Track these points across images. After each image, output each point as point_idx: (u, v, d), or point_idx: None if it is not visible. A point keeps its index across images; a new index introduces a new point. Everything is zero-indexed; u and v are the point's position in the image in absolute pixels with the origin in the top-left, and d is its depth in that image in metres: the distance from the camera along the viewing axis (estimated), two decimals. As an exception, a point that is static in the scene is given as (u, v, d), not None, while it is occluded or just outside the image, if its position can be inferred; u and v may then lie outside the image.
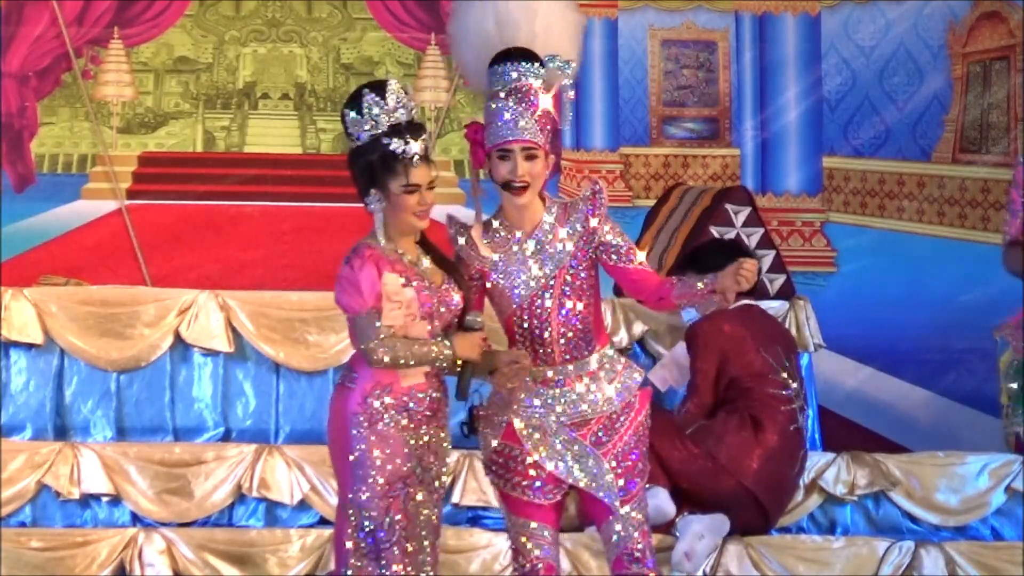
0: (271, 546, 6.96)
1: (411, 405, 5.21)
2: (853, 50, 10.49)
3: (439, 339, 5.20)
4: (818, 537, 7.21)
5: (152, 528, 7.00)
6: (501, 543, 6.86)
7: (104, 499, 7.23)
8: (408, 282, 5.18)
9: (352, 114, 5.20)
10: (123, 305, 7.62)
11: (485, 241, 5.36)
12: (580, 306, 5.32)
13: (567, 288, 5.32)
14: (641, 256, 5.38)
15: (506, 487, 5.36)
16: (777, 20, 10.54)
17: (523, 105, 5.26)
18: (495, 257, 5.34)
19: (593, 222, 5.33)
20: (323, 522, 7.12)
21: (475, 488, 7.16)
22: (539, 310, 5.31)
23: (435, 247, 5.34)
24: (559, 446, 5.32)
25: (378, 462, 5.15)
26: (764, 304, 7.50)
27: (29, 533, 7.00)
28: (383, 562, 5.16)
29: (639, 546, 5.32)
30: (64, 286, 7.86)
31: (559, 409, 5.33)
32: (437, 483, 5.30)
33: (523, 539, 5.35)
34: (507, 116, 5.26)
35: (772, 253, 8.09)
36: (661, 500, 6.76)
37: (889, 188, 10.45)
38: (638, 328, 7.67)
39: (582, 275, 5.33)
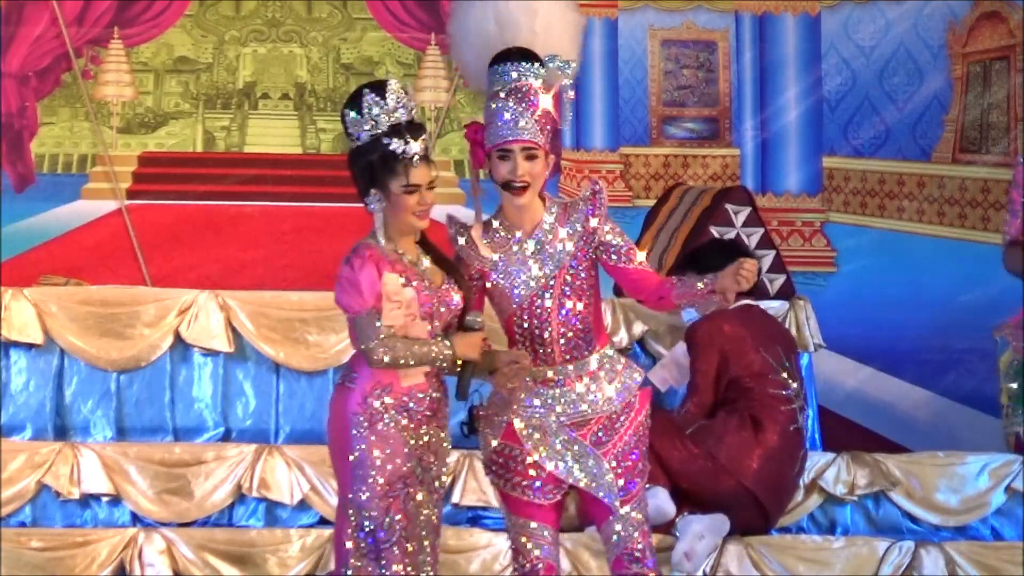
0: (271, 546, 6.96)
1: (411, 405, 5.20)
2: (853, 50, 10.48)
3: (439, 339, 5.20)
4: (818, 537, 7.21)
5: (152, 528, 7.00)
6: (501, 543, 6.85)
7: (104, 499, 7.23)
8: (408, 282, 5.17)
9: (352, 114, 5.20)
10: (123, 305, 7.61)
11: (485, 241, 5.35)
12: (580, 306, 5.32)
13: (567, 288, 5.32)
14: (641, 256, 5.37)
15: (506, 487, 5.36)
16: (777, 20, 10.53)
17: (523, 105, 5.26)
18: (495, 257, 5.34)
19: (593, 222, 5.33)
20: (323, 522, 7.11)
21: (475, 488, 7.16)
22: (539, 310, 5.31)
23: (435, 247, 5.33)
24: (559, 446, 5.32)
25: (378, 462, 5.15)
26: (764, 304, 7.49)
27: (29, 533, 6.99)
28: (383, 562, 5.16)
29: (639, 546, 5.31)
30: (64, 286, 7.85)
31: (559, 409, 5.33)
32: (437, 483, 5.29)
33: (523, 539, 5.35)
34: (507, 116, 5.26)
35: (772, 253, 8.08)
36: (661, 500, 6.76)
37: (889, 188, 10.44)
38: (638, 328, 7.67)
39: (582, 275, 5.33)
